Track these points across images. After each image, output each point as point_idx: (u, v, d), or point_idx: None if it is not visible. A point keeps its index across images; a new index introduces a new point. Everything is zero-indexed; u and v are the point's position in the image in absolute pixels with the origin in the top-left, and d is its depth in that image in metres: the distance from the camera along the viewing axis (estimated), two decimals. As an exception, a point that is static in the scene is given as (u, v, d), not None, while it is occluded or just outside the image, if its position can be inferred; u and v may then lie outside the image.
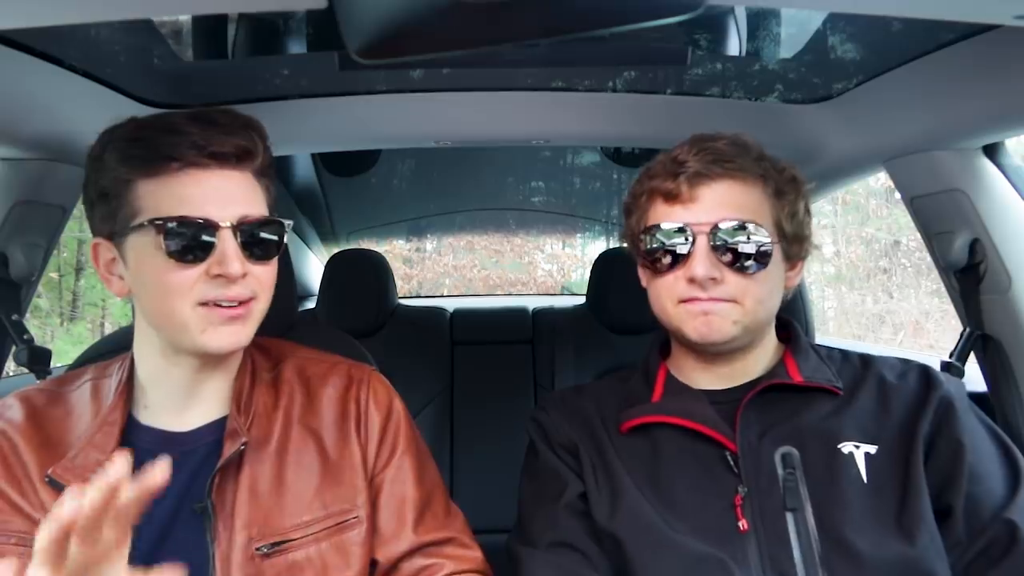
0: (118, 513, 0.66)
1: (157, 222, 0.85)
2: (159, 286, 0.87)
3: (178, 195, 0.87)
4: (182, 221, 0.86)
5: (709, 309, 0.97)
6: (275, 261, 0.95)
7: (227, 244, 0.87)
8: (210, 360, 0.95)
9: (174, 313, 0.87)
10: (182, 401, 0.96)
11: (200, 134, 0.87)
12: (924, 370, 1.03)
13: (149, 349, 0.95)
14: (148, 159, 0.87)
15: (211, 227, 0.87)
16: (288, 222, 0.96)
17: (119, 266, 0.92)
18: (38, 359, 1.31)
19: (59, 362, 1.57)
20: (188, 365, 0.94)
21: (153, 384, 0.96)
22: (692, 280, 0.97)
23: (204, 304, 0.88)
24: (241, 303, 0.90)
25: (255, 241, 0.91)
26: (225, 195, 0.89)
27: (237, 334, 0.90)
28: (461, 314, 2.36)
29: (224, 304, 0.88)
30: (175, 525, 0.90)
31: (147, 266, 0.88)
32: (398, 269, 6.77)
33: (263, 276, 0.92)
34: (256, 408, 0.97)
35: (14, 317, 1.29)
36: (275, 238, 0.93)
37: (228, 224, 0.87)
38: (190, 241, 0.86)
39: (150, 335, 0.94)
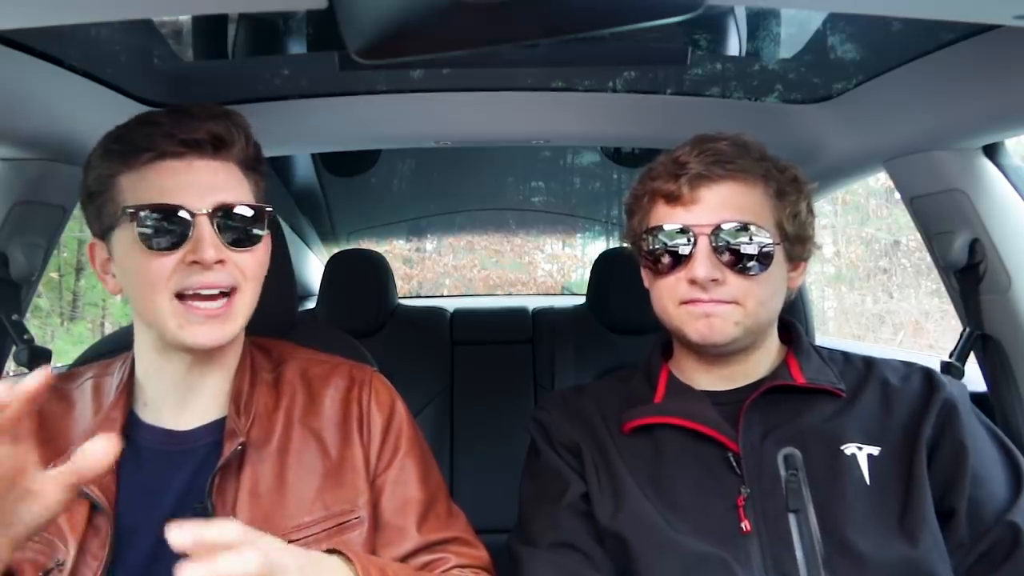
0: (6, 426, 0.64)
1: (130, 210, 0.86)
2: (139, 276, 0.88)
3: (155, 185, 0.87)
4: (156, 208, 0.86)
5: (711, 311, 0.97)
6: (260, 249, 0.94)
7: (203, 230, 0.87)
8: (199, 356, 0.94)
9: (154, 305, 0.87)
10: (179, 398, 0.96)
11: (171, 123, 0.88)
12: (927, 373, 1.03)
13: (145, 345, 0.96)
14: (124, 152, 0.89)
15: (186, 213, 0.87)
16: (269, 208, 0.95)
17: (112, 265, 0.93)
18: (38, 359, 1.31)
19: (59, 362, 1.57)
20: (180, 361, 0.94)
21: (150, 381, 0.97)
22: (693, 282, 0.97)
23: (181, 298, 0.87)
24: (224, 295, 0.89)
25: (235, 228, 0.90)
26: (201, 183, 0.89)
27: (217, 331, 0.89)
28: (461, 314, 2.36)
29: (204, 294, 0.88)
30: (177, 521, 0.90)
31: (128, 258, 0.88)
32: (398, 269, 6.76)
33: (246, 265, 0.91)
34: (257, 409, 0.97)
35: (14, 317, 1.29)
36: (257, 224, 0.93)
37: (204, 211, 0.87)
38: (164, 228, 0.86)
39: (144, 331, 0.95)
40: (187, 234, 0.87)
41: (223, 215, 0.89)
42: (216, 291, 0.89)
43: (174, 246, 0.86)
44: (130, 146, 0.88)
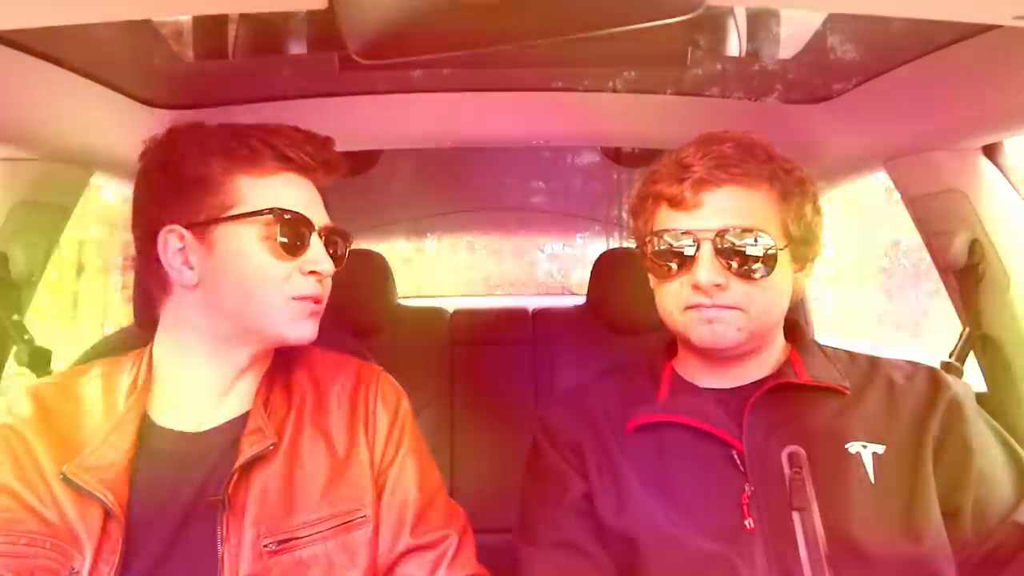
0: None
1: (272, 213, 0.90)
2: (254, 275, 0.91)
3: (285, 195, 0.93)
4: (296, 216, 0.92)
5: (714, 316, 0.97)
6: None
7: (319, 244, 0.94)
8: (263, 355, 0.98)
9: (265, 303, 0.92)
10: (214, 399, 0.96)
11: (307, 141, 0.95)
12: (932, 372, 1.02)
13: (196, 344, 0.95)
14: (258, 152, 0.92)
15: (310, 228, 0.94)
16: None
17: (189, 255, 0.91)
18: (38, 359, 1.31)
19: (59, 362, 1.57)
20: (235, 362, 0.96)
21: (178, 379, 0.96)
22: (697, 287, 0.96)
23: (295, 298, 0.93)
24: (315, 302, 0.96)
25: (334, 247, 0.98)
26: (317, 201, 0.97)
27: (315, 327, 0.96)
28: (461, 314, 2.36)
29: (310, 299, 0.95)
30: (187, 524, 0.90)
31: (242, 254, 0.91)
32: (398, 269, 6.74)
33: (328, 284, 0.99)
34: (271, 407, 0.98)
35: (14, 317, 1.30)
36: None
37: (318, 227, 0.95)
38: (296, 237, 0.92)
39: (201, 330, 0.94)
40: (308, 245, 0.93)
41: (328, 235, 0.97)
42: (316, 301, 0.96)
43: (297, 254, 0.92)
44: (267, 150, 0.92)
